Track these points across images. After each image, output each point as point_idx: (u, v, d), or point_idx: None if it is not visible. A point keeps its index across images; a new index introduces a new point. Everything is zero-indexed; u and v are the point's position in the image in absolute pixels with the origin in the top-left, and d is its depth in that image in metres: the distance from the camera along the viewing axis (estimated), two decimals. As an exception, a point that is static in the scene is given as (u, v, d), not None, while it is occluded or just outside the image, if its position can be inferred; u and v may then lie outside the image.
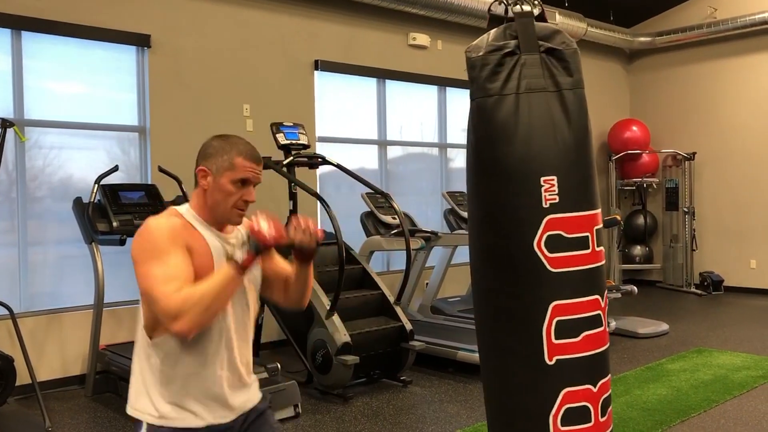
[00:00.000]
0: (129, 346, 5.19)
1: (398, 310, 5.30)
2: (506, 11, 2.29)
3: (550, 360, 2.16)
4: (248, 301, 1.96)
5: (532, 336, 2.17)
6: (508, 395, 2.28)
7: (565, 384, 2.18)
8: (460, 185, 8.06)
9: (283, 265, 2.08)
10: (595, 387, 2.22)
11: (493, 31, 2.27)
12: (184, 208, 1.90)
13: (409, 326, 5.22)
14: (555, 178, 2.15)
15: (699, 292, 9.21)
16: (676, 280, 9.62)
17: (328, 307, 4.86)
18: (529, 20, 2.23)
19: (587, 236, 2.19)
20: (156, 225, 1.80)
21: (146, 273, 1.74)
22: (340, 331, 4.81)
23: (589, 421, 2.21)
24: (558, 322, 2.16)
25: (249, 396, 1.96)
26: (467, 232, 2.45)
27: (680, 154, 9.55)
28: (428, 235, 6.21)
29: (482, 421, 4.34)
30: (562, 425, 2.18)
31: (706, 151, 9.56)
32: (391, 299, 5.36)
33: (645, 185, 9.93)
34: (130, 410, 1.89)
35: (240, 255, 1.76)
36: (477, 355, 5.17)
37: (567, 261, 2.16)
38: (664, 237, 9.95)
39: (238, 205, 1.87)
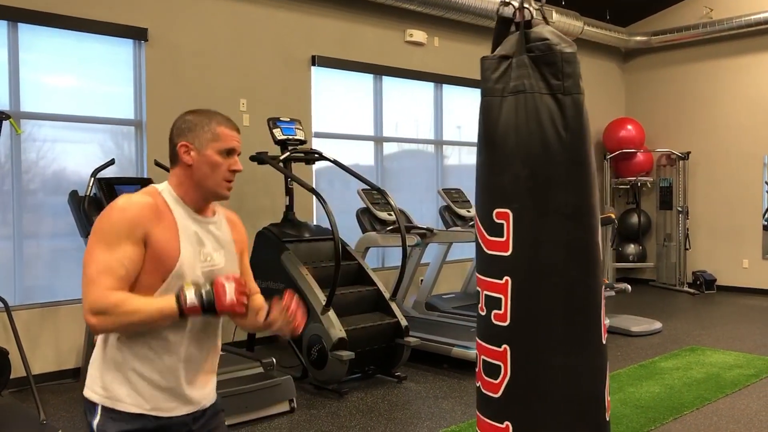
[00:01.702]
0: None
1: (393, 306, 5.31)
2: (514, 14, 2.32)
3: (604, 341, 2.39)
4: None
5: (599, 321, 2.37)
6: (577, 383, 2.34)
7: (606, 359, 2.44)
8: (456, 182, 8.07)
9: (250, 278, 2.01)
10: None
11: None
12: (163, 186, 1.84)
13: (404, 322, 5.23)
14: None
15: (692, 291, 9.26)
16: (670, 278, 9.66)
17: (323, 303, 4.87)
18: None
19: None
20: (121, 207, 1.74)
21: (91, 251, 1.70)
22: (335, 327, 4.82)
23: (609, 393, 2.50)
24: (604, 305, 2.43)
25: (206, 393, 1.89)
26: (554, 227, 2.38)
27: (675, 154, 9.59)
28: (424, 231, 6.23)
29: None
30: (608, 397, 2.44)
31: (700, 151, 9.60)
32: (387, 295, 5.37)
33: (639, 184, 9.96)
34: (86, 392, 1.83)
35: (191, 298, 1.68)
36: (472, 351, 5.24)
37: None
38: (657, 236, 10.00)
39: (226, 176, 1.83)
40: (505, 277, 2.34)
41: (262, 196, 6.42)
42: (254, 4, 6.46)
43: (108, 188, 5.14)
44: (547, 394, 2.34)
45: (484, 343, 2.43)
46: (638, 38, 9.81)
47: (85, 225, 5.02)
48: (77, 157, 5.54)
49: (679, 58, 9.87)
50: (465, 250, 7.76)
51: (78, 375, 5.22)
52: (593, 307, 2.35)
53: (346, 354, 4.74)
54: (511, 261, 2.33)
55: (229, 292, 1.68)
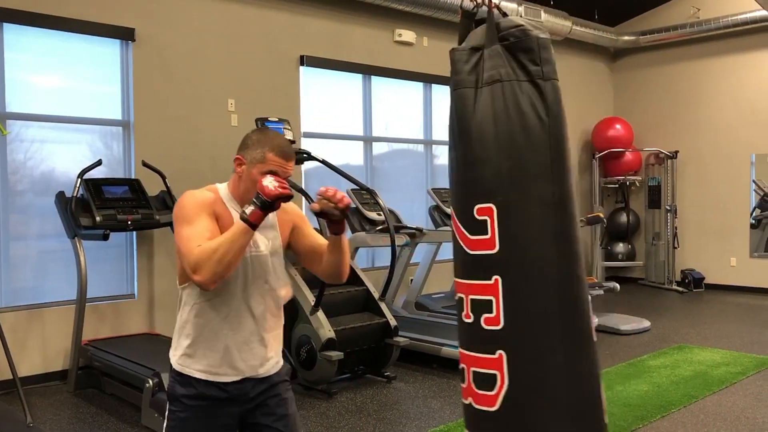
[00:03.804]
0: (112, 341, 5.19)
1: (383, 306, 5.31)
2: (474, 8, 2.28)
3: (595, 338, 2.27)
4: (270, 272, 2.15)
5: (589, 316, 2.27)
6: (579, 384, 2.22)
7: (599, 357, 2.34)
8: (445, 182, 8.08)
9: (317, 239, 2.27)
10: None
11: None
12: (221, 186, 2.16)
13: (393, 322, 5.23)
14: None
15: (680, 289, 9.31)
16: (658, 277, 9.71)
17: (312, 303, 4.87)
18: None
19: None
20: (190, 194, 2.07)
21: (178, 233, 2.00)
22: (324, 327, 4.81)
23: None
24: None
25: (261, 362, 2.13)
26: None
27: (663, 153, 9.64)
28: (413, 231, 6.22)
29: (465, 417, 4.37)
30: (604, 397, 2.34)
31: (688, 150, 9.65)
32: (376, 295, 5.37)
33: (628, 183, 10.01)
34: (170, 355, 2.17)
35: (248, 208, 1.97)
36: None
37: None
38: (646, 235, 10.04)
39: None
40: (495, 277, 2.20)
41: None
42: (242, 3, 6.44)
43: (95, 189, 5.11)
44: (549, 399, 2.18)
45: (472, 353, 2.24)
46: (626, 38, 9.85)
47: (72, 226, 4.99)
48: (65, 158, 5.50)
49: (667, 57, 9.92)
50: (454, 250, 7.75)
51: (65, 377, 5.19)
52: (584, 301, 2.25)
53: (335, 354, 4.73)
54: (499, 258, 2.20)
55: (269, 183, 1.97)
